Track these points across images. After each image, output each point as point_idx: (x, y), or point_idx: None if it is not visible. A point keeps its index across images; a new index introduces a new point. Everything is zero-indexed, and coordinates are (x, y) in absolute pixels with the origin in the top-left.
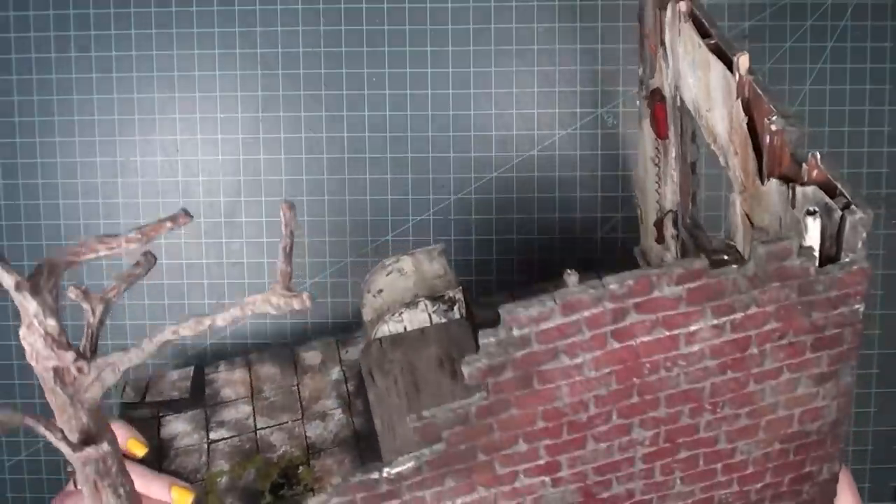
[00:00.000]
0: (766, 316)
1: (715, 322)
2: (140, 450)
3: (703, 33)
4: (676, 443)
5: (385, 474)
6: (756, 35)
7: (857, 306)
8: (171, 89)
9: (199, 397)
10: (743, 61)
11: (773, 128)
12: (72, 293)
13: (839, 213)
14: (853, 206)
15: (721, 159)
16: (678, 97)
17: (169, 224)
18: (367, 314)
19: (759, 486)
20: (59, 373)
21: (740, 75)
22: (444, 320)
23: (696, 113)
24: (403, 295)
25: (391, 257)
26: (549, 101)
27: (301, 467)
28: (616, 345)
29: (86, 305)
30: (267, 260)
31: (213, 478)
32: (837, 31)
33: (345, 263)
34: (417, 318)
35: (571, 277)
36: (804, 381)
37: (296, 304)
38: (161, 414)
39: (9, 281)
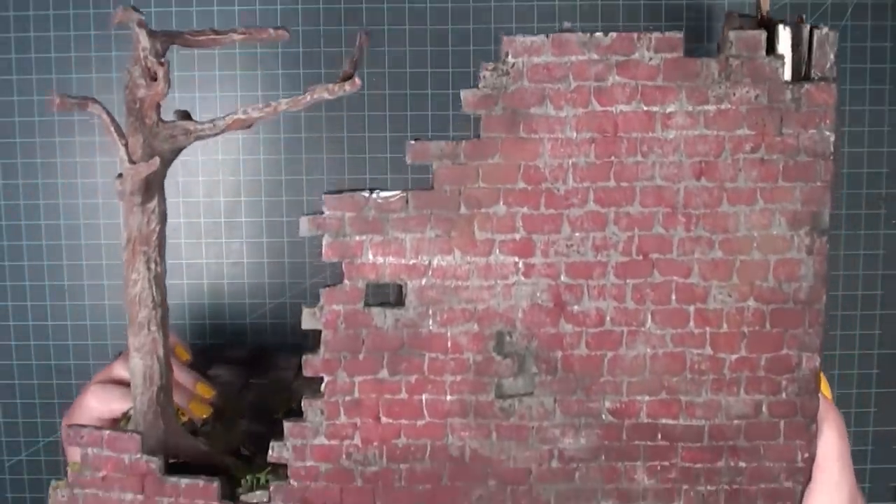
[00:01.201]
0: (739, 117)
1: (689, 109)
2: (183, 355)
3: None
4: (650, 258)
5: (374, 196)
6: None
7: (827, 133)
8: (171, 89)
9: (254, 363)
10: (764, 1)
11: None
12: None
13: (808, 29)
14: (821, 25)
15: None
16: None
17: (272, 32)
18: None
19: (733, 358)
20: (143, 109)
21: (761, 14)
22: None
23: None
24: None
25: None
26: None
27: None
28: (598, 107)
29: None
30: (267, 260)
31: (239, 398)
32: (837, 31)
33: None
34: None
35: (566, 24)
36: (778, 218)
37: (348, 87)
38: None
39: (134, 16)
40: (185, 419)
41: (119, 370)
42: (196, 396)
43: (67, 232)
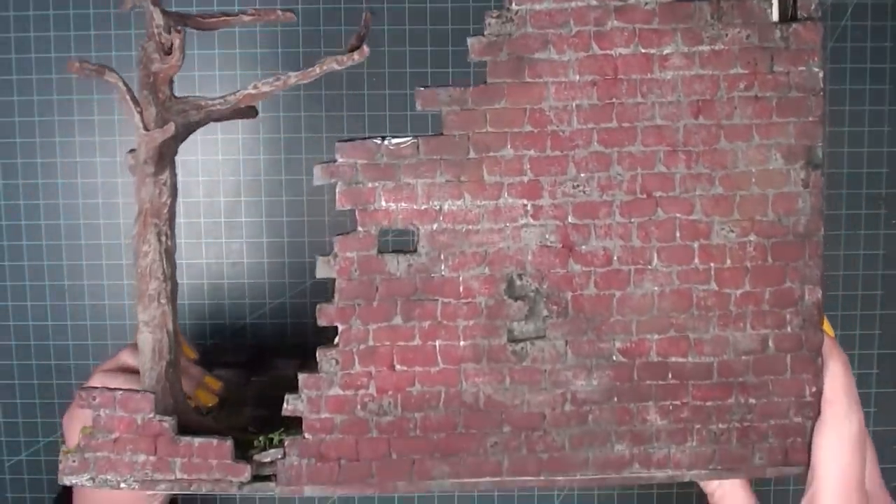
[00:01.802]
0: (731, 57)
1: (685, 50)
2: (190, 354)
3: None
4: (653, 196)
5: (386, 142)
6: None
7: (816, 69)
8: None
9: (254, 366)
10: None
11: None
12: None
13: None
14: None
15: None
16: None
17: (279, 13)
18: None
19: (738, 293)
20: (157, 84)
21: None
22: None
23: None
24: None
25: None
26: None
27: None
28: (598, 51)
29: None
30: (266, 260)
31: (242, 391)
32: (837, 31)
33: None
34: None
35: None
36: (774, 153)
37: (357, 56)
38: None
39: None
40: (192, 405)
41: (126, 357)
42: (203, 384)
43: (67, 232)
